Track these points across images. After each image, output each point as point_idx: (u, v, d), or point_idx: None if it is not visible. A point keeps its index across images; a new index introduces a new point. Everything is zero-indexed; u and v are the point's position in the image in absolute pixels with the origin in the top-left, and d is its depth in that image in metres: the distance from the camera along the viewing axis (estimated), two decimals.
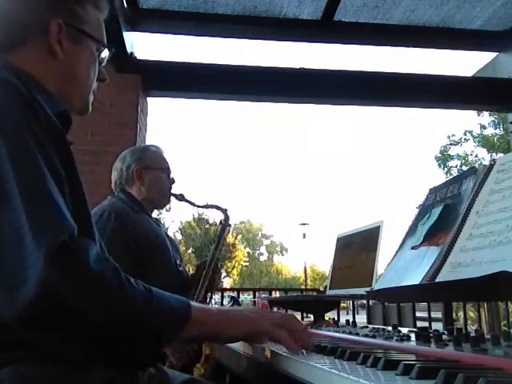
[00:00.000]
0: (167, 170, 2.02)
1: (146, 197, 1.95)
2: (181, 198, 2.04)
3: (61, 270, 0.67)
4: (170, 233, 26.34)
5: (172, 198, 2.03)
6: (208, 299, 1.99)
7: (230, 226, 2.13)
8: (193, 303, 0.80)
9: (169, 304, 0.77)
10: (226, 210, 2.11)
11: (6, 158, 0.71)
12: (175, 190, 2.05)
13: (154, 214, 2.08)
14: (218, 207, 2.11)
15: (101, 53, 1.00)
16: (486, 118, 19.41)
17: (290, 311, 3.31)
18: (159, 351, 0.78)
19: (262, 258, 43.09)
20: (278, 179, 65.84)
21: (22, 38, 0.89)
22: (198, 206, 2.13)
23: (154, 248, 1.84)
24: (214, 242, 2.09)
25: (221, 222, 2.12)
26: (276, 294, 5.15)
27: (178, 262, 1.95)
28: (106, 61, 1.02)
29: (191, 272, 2.11)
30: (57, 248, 0.67)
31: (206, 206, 2.14)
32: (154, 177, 1.97)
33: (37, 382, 0.72)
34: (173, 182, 2.04)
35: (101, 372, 0.77)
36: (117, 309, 0.71)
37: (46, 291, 0.65)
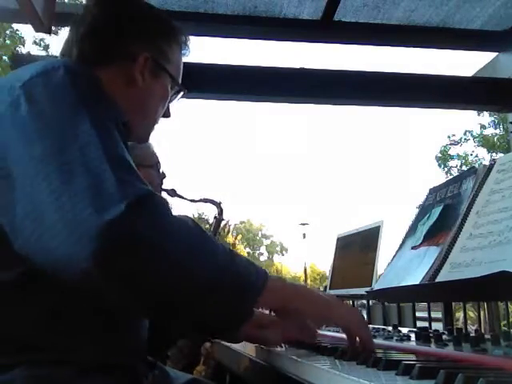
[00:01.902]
0: (157, 165, 1.95)
1: None
2: (172, 193, 2.01)
3: (148, 212, 0.67)
4: None
5: (164, 193, 2.00)
6: None
7: (224, 219, 2.11)
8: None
9: (251, 263, 0.76)
10: (219, 204, 2.08)
11: (89, 124, 0.73)
12: (167, 185, 2.01)
13: None
14: (211, 201, 2.09)
15: (174, 92, 1.06)
16: (486, 117, 19.39)
17: None
18: (247, 308, 0.75)
19: (262, 258, 43.04)
20: (278, 179, 65.87)
21: (111, 59, 0.95)
22: (191, 201, 2.11)
23: None
24: None
25: (215, 217, 2.10)
26: None
27: None
28: (175, 100, 1.09)
29: None
30: (141, 195, 0.67)
31: (199, 201, 2.11)
32: (143, 175, 1.90)
33: (48, 382, 0.72)
34: (163, 176, 1.97)
35: (104, 377, 0.77)
36: (204, 256, 0.70)
37: (131, 225, 0.64)
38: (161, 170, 1.99)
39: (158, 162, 1.98)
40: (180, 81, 1.06)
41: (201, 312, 0.71)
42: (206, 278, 0.69)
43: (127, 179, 0.69)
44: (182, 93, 1.07)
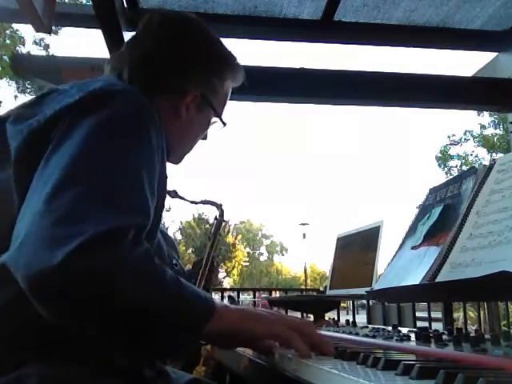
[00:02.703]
0: None
1: None
2: (174, 194, 2.01)
3: (101, 251, 0.66)
4: (170, 233, 26.30)
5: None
6: None
7: (225, 221, 2.11)
8: (213, 298, 0.80)
9: (197, 293, 0.76)
10: (220, 206, 2.08)
11: (126, 144, 0.76)
12: (169, 186, 2.03)
13: None
14: (212, 203, 2.09)
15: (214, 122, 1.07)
16: (486, 118, 19.40)
17: (289, 311, 3.31)
18: (188, 342, 0.76)
19: (262, 258, 43.05)
20: (277, 179, 65.88)
21: (162, 90, 0.95)
22: (192, 202, 2.10)
23: None
24: (209, 239, 2.07)
25: (215, 218, 2.10)
26: (276, 294, 5.16)
27: (174, 261, 1.92)
28: (215, 130, 1.10)
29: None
30: (96, 236, 0.66)
31: (200, 202, 2.11)
32: None
33: (58, 380, 0.73)
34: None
35: (113, 377, 0.78)
36: (150, 298, 0.70)
37: (76, 269, 0.64)
38: None
39: None
40: (223, 113, 1.07)
41: (147, 346, 0.73)
42: (151, 318, 0.70)
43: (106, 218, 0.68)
44: (223, 125, 1.08)
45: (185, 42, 0.98)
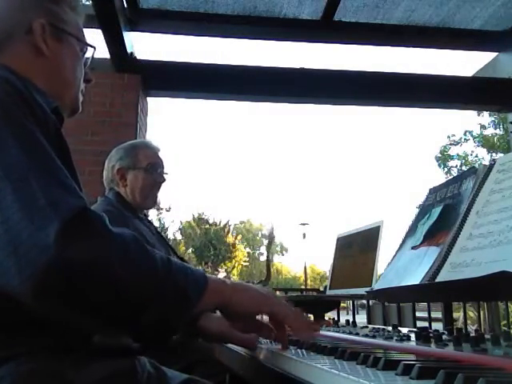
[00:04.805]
0: (151, 168, 1.90)
1: (130, 198, 1.87)
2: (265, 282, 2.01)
3: (82, 231, 0.65)
4: (170, 233, 26.31)
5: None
6: None
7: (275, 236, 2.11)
8: (207, 274, 0.81)
9: (188, 268, 0.77)
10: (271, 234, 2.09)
11: (11, 139, 0.71)
12: (169, 184, 1.96)
13: (154, 214, 2.05)
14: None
15: (84, 53, 1.02)
16: (486, 118, 19.43)
17: None
18: (185, 316, 0.76)
19: (262, 258, 43.03)
20: (278, 179, 65.91)
21: (8, 38, 0.92)
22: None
23: None
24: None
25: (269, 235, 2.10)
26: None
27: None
28: (90, 62, 1.05)
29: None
30: (75, 213, 0.66)
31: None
32: (134, 177, 1.87)
33: (35, 378, 0.71)
34: (161, 180, 1.93)
35: (99, 368, 0.77)
36: (142, 267, 0.70)
37: (66, 252, 0.63)
38: (158, 173, 1.92)
39: (154, 165, 1.92)
40: (86, 40, 1.03)
41: (143, 323, 0.72)
42: (146, 293, 0.70)
43: (57, 200, 0.67)
44: (93, 50, 1.04)
45: None
